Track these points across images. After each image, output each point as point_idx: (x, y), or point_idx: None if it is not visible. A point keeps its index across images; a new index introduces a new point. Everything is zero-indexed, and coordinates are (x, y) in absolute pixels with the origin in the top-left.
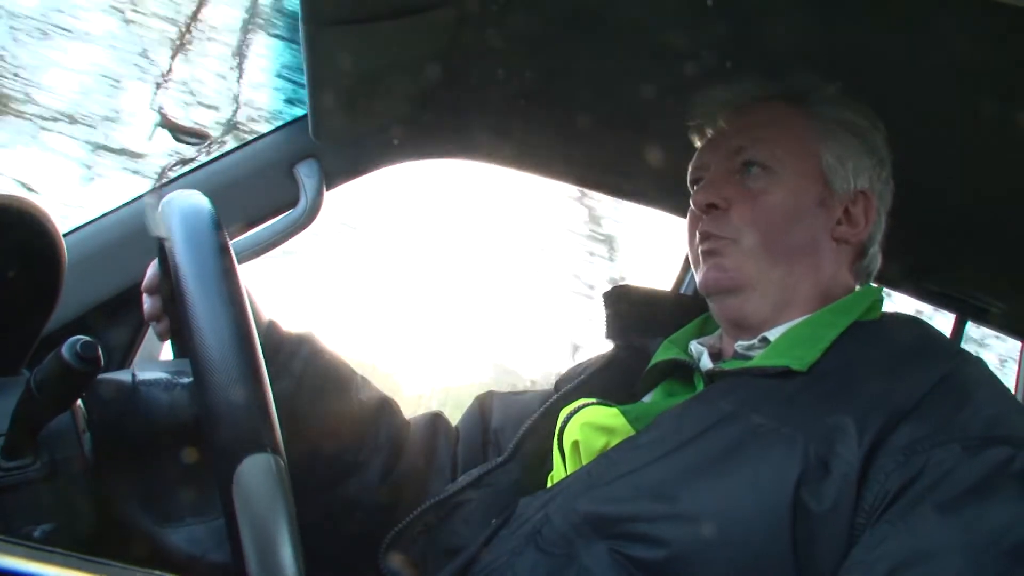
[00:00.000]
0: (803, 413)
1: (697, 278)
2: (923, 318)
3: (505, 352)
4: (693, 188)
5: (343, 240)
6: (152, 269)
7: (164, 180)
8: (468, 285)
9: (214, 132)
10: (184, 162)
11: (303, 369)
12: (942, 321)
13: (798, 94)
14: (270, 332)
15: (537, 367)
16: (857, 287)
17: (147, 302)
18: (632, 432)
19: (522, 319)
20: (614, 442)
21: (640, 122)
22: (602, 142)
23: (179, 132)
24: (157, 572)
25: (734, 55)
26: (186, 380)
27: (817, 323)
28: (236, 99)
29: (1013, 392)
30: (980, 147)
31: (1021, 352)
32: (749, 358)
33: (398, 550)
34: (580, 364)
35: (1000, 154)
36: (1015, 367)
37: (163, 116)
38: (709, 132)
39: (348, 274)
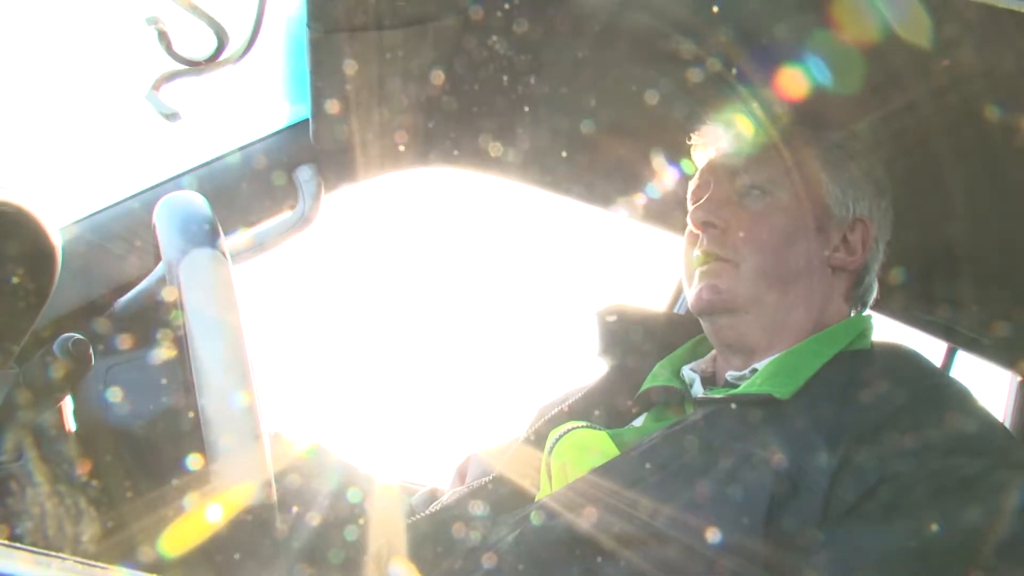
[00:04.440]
0: (779, 437)
1: (689, 297)
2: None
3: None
4: (691, 206)
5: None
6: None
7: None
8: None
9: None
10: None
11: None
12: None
13: (801, 118)
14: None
15: None
16: (852, 315)
17: None
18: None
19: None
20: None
21: (646, 133)
22: (606, 153)
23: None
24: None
25: (737, 61)
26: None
27: (803, 352)
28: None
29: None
30: (980, 179)
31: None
32: (737, 387)
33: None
34: (564, 394)
35: (998, 184)
36: None
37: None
38: (711, 152)
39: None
